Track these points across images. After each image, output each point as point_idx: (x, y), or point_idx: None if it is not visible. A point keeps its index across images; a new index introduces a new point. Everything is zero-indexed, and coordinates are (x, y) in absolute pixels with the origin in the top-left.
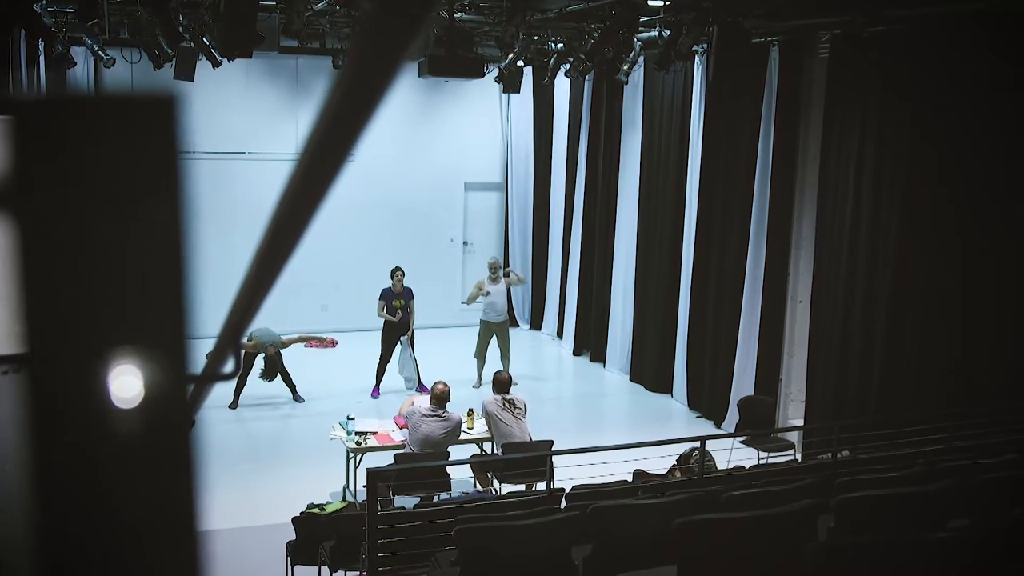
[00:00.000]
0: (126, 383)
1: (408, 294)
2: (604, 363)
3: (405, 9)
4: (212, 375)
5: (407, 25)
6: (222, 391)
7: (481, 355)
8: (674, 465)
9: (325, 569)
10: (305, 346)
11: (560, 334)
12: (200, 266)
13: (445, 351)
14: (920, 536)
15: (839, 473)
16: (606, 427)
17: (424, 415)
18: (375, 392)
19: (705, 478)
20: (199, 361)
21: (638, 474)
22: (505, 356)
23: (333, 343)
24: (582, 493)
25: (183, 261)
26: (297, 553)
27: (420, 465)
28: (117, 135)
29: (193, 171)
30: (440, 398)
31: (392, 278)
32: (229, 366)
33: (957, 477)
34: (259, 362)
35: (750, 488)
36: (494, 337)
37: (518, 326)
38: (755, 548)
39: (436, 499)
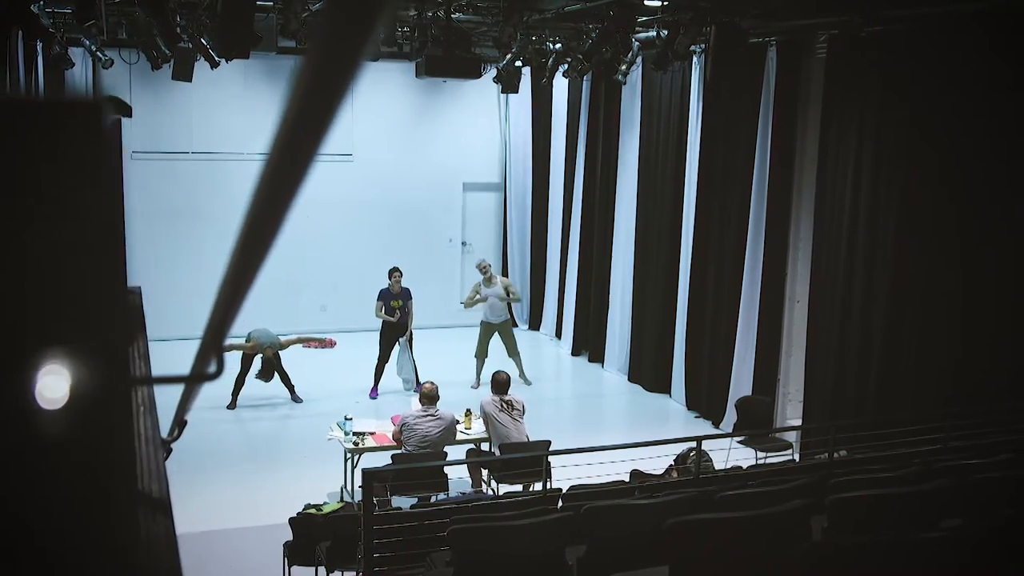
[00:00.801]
0: (52, 383)
1: (406, 294)
2: (603, 363)
3: (360, 8)
4: (197, 376)
5: (363, 23)
6: (221, 392)
7: (481, 355)
8: (671, 465)
9: (322, 569)
10: (304, 346)
11: (559, 334)
12: (198, 268)
13: (444, 351)
14: (913, 536)
15: (835, 473)
16: (605, 427)
17: (418, 417)
18: (373, 392)
19: (701, 478)
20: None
21: (635, 474)
22: (514, 353)
23: (332, 343)
24: (578, 493)
25: (114, 262)
26: (294, 554)
27: (417, 465)
28: (45, 138)
29: (191, 173)
30: (430, 397)
31: (390, 278)
32: (212, 367)
33: (952, 477)
34: (257, 362)
35: (745, 488)
36: (495, 338)
37: (517, 326)
38: (747, 548)
39: (434, 499)
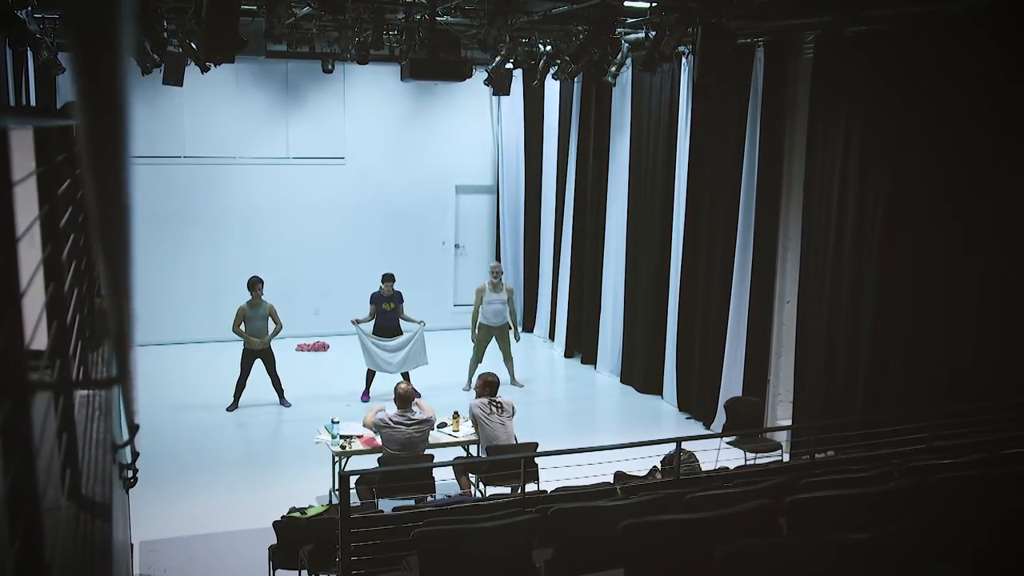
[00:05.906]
0: None
1: (398, 297)
2: (595, 365)
3: (101, 20)
4: (107, 381)
5: (107, 33)
6: (216, 396)
7: (477, 358)
8: (655, 467)
9: (304, 572)
10: (297, 349)
11: (552, 336)
12: (192, 271)
13: (437, 354)
14: (871, 535)
15: (814, 473)
16: (597, 428)
17: (396, 422)
18: (365, 396)
19: (683, 479)
20: None
21: (618, 476)
22: (508, 359)
23: (325, 347)
24: (559, 496)
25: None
26: (278, 557)
27: (400, 468)
28: None
29: (183, 177)
30: (404, 398)
31: (382, 284)
32: (116, 369)
33: (922, 476)
34: (258, 364)
35: (722, 489)
36: (492, 341)
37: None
38: (701, 549)
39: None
